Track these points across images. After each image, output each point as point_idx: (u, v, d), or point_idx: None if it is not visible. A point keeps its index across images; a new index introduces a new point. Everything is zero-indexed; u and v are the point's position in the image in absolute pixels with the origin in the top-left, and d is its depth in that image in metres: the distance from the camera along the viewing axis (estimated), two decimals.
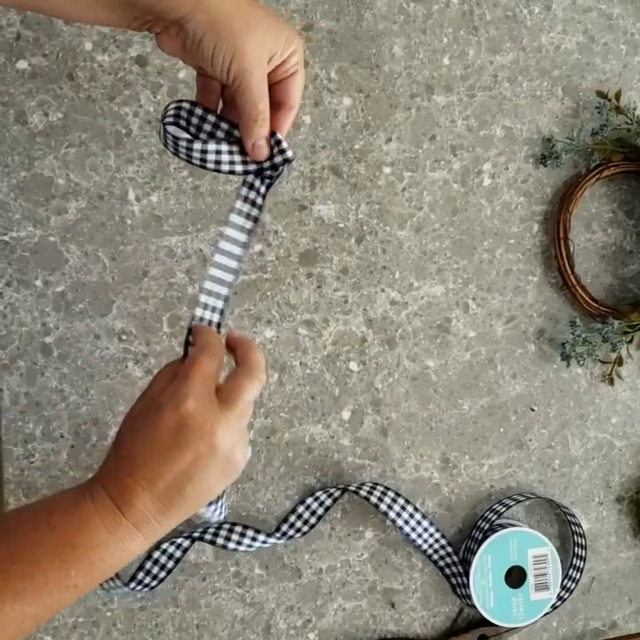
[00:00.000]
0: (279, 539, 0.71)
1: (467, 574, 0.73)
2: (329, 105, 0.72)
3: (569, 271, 0.75)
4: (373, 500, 0.71)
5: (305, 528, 0.72)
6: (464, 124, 0.74)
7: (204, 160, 0.50)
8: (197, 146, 0.50)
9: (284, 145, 0.51)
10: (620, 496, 0.79)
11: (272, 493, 0.73)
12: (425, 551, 0.74)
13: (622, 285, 0.78)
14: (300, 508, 0.72)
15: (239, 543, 0.70)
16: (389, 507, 0.72)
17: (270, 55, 0.48)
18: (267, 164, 0.51)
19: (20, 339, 0.68)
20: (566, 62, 0.76)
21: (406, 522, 0.73)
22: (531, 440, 0.77)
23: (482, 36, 0.74)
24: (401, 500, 0.72)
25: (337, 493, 0.72)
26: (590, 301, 0.75)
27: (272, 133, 0.51)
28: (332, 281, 0.73)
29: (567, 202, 0.75)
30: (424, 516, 0.73)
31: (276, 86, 0.50)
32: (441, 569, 0.75)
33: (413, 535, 0.73)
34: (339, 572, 0.74)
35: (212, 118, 0.51)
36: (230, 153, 0.51)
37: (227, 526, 0.71)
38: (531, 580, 0.74)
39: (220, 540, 0.70)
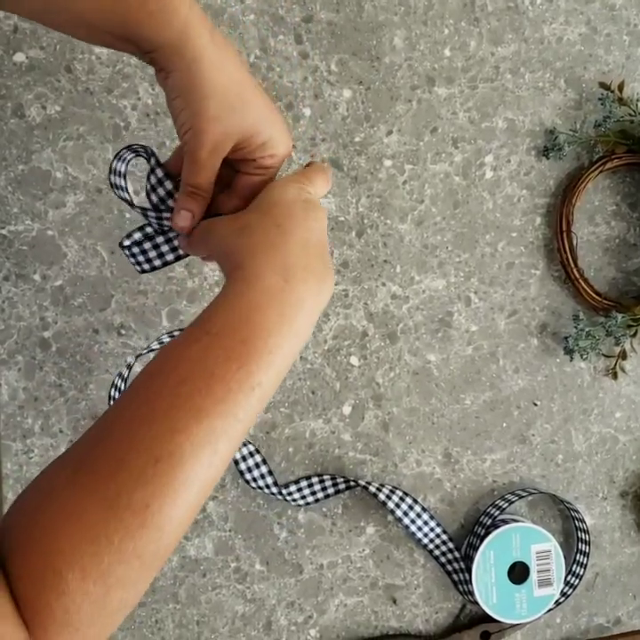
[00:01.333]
0: (281, 494, 0.71)
1: (469, 570, 0.72)
2: (329, 97, 0.71)
3: (572, 264, 0.74)
4: (382, 497, 0.71)
5: (310, 498, 0.72)
6: (465, 116, 0.74)
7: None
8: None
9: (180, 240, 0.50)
10: (624, 491, 0.79)
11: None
12: (425, 546, 0.74)
13: (626, 278, 0.78)
14: (314, 479, 0.72)
15: (250, 470, 0.71)
16: (397, 505, 0.72)
17: (240, 145, 0.46)
18: (176, 243, 0.51)
19: (18, 333, 0.68)
20: (569, 53, 0.75)
21: (413, 521, 0.72)
22: (533, 435, 0.77)
23: (483, 28, 0.73)
24: (409, 500, 0.72)
25: (347, 483, 0.71)
26: (593, 295, 0.75)
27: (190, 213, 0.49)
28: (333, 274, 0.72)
29: (570, 194, 0.74)
30: (430, 516, 0.73)
31: (243, 176, 0.48)
32: (442, 565, 0.74)
33: (417, 532, 0.73)
34: (340, 568, 0.74)
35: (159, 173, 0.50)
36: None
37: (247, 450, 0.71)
38: (534, 575, 0.73)
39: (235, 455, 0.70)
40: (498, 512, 0.73)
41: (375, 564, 0.74)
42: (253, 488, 0.71)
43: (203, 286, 0.70)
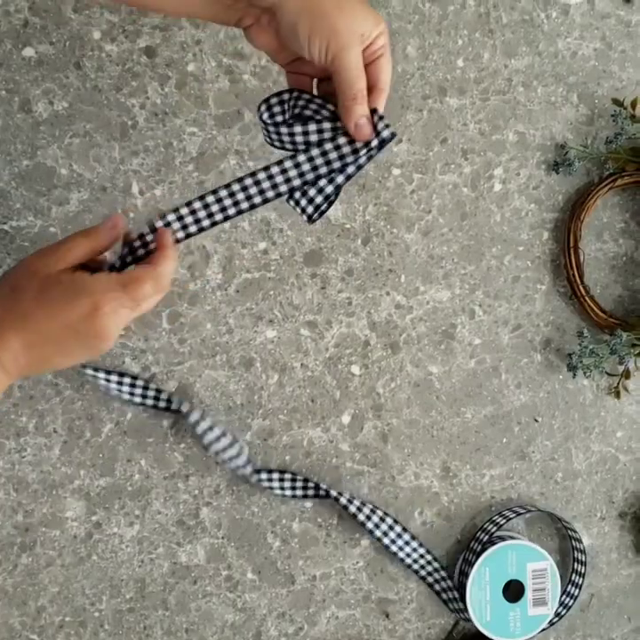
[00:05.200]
0: (254, 476, 0.70)
1: (463, 587, 0.71)
2: None
3: (578, 281, 0.74)
4: (361, 517, 0.70)
5: (277, 491, 0.70)
6: (476, 127, 0.73)
7: (308, 143, 0.50)
8: (299, 129, 0.49)
9: (387, 121, 0.49)
10: (623, 512, 0.78)
11: (267, 497, 0.71)
12: (410, 566, 0.73)
13: (632, 297, 0.77)
14: (287, 475, 0.71)
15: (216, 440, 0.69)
16: (377, 525, 0.71)
17: (361, 35, 0.48)
18: (374, 143, 0.49)
19: None
20: (583, 69, 0.75)
21: (393, 541, 0.71)
22: (533, 452, 0.76)
23: (497, 39, 0.73)
24: (389, 520, 0.71)
25: (317, 491, 0.70)
26: (599, 312, 0.74)
27: (374, 110, 0.49)
28: (337, 282, 0.71)
29: (579, 210, 0.73)
30: (411, 536, 0.72)
31: (371, 64, 0.50)
32: (430, 586, 0.73)
33: (399, 552, 0.72)
34: (333, 580, 0.73)
35: (314, 105, 0.50)
36: (333, 139, 0.50)
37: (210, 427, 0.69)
38: (529, 594, 0.72)
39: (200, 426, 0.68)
40: (495, 528, 0.72)
41: (369, 577, 0.73)
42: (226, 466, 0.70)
43: (204, 289, 0.70)
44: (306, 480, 0.70)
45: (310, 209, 0.53)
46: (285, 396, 0.71)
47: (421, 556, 0.73)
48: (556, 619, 0.75)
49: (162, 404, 0.68)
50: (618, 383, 0.76)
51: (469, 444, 0.74)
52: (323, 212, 0.53)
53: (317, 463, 0.72)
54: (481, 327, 0.74)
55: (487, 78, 0.73)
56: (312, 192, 0.52)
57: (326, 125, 0.49)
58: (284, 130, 0.50)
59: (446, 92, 0.72)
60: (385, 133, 0.49)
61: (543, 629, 0.74)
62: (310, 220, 0.54)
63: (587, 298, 0.74)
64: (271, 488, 0.70)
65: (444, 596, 0.73)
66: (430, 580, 0.73)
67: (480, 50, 0.73)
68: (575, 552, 0.76)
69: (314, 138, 0.50)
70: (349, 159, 0.50)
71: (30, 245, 0.67)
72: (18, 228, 0.67)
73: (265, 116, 0.52)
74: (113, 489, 0.69)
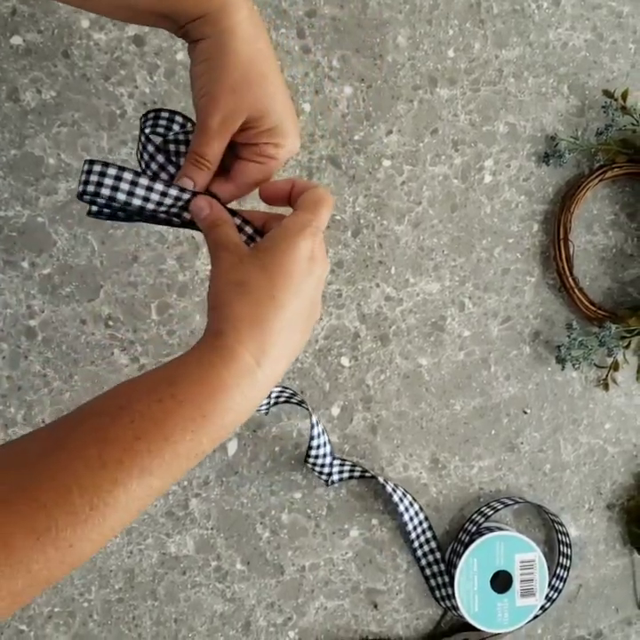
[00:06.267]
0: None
1: (451, 577, 0.72)
2: (329, 93, 0.70)
3: (568, 273, 0.74)
4: (389, 489, 0.71)
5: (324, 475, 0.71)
6: (467, 118, 0.73)
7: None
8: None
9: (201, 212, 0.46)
10: (611, 503, 0.78)
11: (257, 488, 0.71)
12: (411, 542, 0.73)
13: (621, 289, 0.77)
14: (336, 461, 0.71)
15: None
16: (400, 499, 0.72)
17: (248, 125, 0.46)
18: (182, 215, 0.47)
19: (3, 321, 0.67)
20: (573, 59, 0.74)
21: (411, 518, 0.72)
22: (522, 443, 0.76)
23: (488, 30, 0.73)
24: (410, 497, 0.73)
25: (363, 473, 0.71)
26: (588, 304, 0.74)
27: (211, 193, 0.47)
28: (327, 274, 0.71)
29: (568, 202, 0.73)
30: (425, 516, 0.73)
31: (242, 162, 0.48)
32: (422, 568, 0.74)
33: (409, 523, 0.72)
34: (322, 571, 0.73)
35: (184, 147, 0.49)
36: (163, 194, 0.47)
37: None
38: (517, 585, 0.73)
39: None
40: (483, 519, 0.72)
41: (357, 567, 0.74)
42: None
43: (194, 280, 0.69)
44: (353, 463, 0.71)
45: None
46: (275, 388, 0.71)
47: (423, 532, 0.73)
48: (540, 611, 0.75)
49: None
50: (606, 375, 0.76)
51: (458, 435, 0.75)
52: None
53: None
54: (470, 319, 0.74)
55: (478, 69, 0.73)
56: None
57: (171, 169, 0.48)
58: (150, 148, 0.48)
59: (437, 83, 0.72)
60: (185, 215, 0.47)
61: (528, 621, 0.74)
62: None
63: (576, 290, 0.74)
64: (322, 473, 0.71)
65: (433, 582, 0.73)
66: (424, 562, 0.73)
67: (471, 40, 0.72)
68: (561, 546, 0.76)
69: (161, 180, 0.47)
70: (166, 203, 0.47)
71: (18, 236, 0.66)
72: (5, 217, 0.66)
73: (148, 123, 0.50)
74: None
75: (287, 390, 0.69)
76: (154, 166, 0.49)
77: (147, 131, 0.50)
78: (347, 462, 0.72)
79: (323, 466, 0.69)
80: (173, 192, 0.46)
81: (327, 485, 0.71)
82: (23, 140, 0.66)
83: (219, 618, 0.72)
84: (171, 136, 0.50)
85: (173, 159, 0.50)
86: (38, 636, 0.68)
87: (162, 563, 0.70)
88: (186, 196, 0.47)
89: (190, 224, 0.48)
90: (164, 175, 0.49)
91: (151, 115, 0.51)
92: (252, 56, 0.45)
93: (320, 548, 0.73)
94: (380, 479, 0.71)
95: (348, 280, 0.72)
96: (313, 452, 0.68)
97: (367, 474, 0.71)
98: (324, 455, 0.69)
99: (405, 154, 0.72)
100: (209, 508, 0.71)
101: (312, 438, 0.67)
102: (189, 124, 0.51)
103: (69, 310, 0.68)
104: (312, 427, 0.66)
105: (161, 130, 0.51)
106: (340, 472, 0.71)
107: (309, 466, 0.69)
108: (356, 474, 0.71)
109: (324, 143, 0.70)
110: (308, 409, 0.66)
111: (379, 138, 0.71)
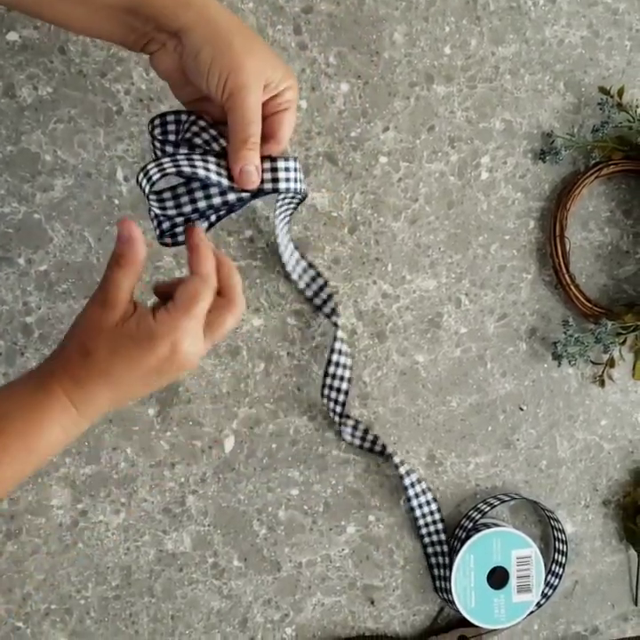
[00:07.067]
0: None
1: (450, 572, 0.72)
2: (326, 90, 0.70)
3: (564, 270, 0.74)
4: (402, 471, 0.71)
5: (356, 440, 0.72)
6: (463, 115, 0.73)
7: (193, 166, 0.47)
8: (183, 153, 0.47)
9: (281, 174, 0.47)
10: (607, 499, 0.78)
11: (254, 485, 0.72)
12: (419, 528, 0.73)
13: (617, 286, 0.77)
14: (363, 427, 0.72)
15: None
16: (413, 484, 0.72)
17: (266, 82, 0.47)
18: (247, 195, 0.47)
19: (0, 318, 0.67)
20: (569, 57, 0.74)
21: (420, 505, 0.72)
22: (518, 440, 0.76)
23: (485, 27, 0.73)
24: (424, 484, 0.73)
25: (383, 449, 0.72)
26: (584, 301, 0.74)
27: (273, 159, 0.47)
28: (323, 271, 0.71)
29: (565, 199, 0.73)
30: (434, 497, 0.74)
31: (266, 119, 0.48)
32: (428, 557, 0.74)
33: (417, 510, 0.73)
34: (319, 567, 0.73)
35: (208, 134, 0.49)
36: (218, 174, 0.47)
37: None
38: (513, 581, 0.73)
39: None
40: (479, 516, 0.72)
41: (354, 564, 0.74)
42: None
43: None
44: (375, 436, 0.72)
45: (168, 240, 0.52)
46: (271, 385, 0.71)
47: (431, 513, 0.73)
48: (535, 608, 0.75)
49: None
50: (602, 372, 0.76)
51: (455, 432, 0.75)
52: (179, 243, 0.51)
53: (304, 451, 0.72)
54: (467, 316, 0.74)
55: (474, 66, 0.73)
56: (179, 220, 0.50)
57: (211, 160, 0.47)
58: (169, 149, 0.48)
59: (433, 80, 0.72)
60: (267, 186, 0.47)
61: (526, 616, 0.74)
62: (161, 239, 0.52)
63: (572, 287, 0.74)
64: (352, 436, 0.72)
65: (436, 571, 0.73)
66: (431, 550, 0.73)
67: (467, 37, 0.72)
68: (556, 542, 0.76)
69: (201, 172, 0.47)
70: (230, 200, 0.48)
71: (14, 232, 0.66)
72: (2, 214, 0.66)
73: (157, 130, 0.50)
74: (99, 477, 0.69)
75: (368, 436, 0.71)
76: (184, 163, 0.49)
77: (160, 137, 0.50)
78: (360, 424, 0.72)
79: (336, 403, 0.70)
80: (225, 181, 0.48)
81: (338, 436, 0.72)
82: (19, 136, 0.66)
83: (216, 614, 0.72)
84: (188, 135, 0.50)
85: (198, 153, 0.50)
86: (35, 634, 0.68)
87: (159, 560, 0.70)
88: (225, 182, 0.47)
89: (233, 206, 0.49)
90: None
91: (157, 121, 0.51)
92: (236, 22, 0.47)
93: (317, 544, 0.73)
94: (396, 459, 0.71)
95: (345, 277, 0.72)
96: (328, 381, 0.69)
97: (386, 450, 0.71)
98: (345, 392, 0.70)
99: (402, 151, 0.72)
100: (206, 505, 0.71)
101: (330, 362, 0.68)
102: (193, 116, 0.50)
103: (66, 307, 0.67)
104: (334, 339, 0.68)
105: (172, 137, 0.51)
106: (353, 436, 0.72)
107: (324, 400, 0.70)
108: (368, 444, 0.72)
109: (321, 140, 0.71)
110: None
111: (375, 134, 0.71)
